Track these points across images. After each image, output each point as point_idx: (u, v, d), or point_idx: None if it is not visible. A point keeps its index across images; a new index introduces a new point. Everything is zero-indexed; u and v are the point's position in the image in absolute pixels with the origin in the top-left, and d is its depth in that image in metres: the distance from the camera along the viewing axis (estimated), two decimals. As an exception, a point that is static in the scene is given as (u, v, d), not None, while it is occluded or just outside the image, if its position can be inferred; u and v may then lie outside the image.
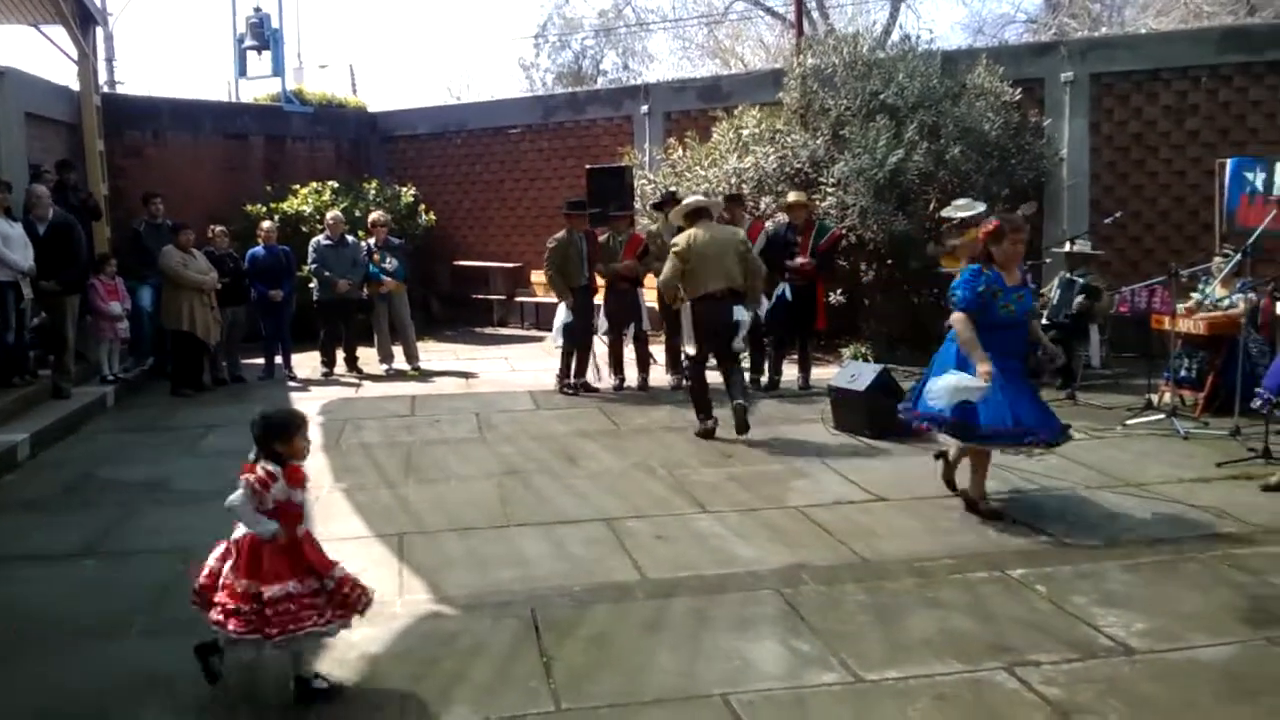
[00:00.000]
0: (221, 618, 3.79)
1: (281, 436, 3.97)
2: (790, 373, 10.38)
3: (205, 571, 3.99)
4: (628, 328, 10.44)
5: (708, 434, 8.26)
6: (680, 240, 8.23)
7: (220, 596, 3.83)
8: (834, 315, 12.12)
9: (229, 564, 3.90)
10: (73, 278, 9.70)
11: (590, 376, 10.47)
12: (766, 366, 10.42)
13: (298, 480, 3.96)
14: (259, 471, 3.87)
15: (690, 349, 8.43)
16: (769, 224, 10.57)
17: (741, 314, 8.21)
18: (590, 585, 5.08)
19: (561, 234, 10.20)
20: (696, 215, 8.35)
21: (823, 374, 10.35)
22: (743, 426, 8.05)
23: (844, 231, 10.82)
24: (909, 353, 11.60)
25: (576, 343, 10.23)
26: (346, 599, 3.94)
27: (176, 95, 17.14)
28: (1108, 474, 6.94)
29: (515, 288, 16.08)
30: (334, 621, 3.90)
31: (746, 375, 9.70)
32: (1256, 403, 6.95)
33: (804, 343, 10.41)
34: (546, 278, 10.35)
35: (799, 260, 9.91)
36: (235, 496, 3.85)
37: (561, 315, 10.13)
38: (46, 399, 9.42)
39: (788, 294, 9.98)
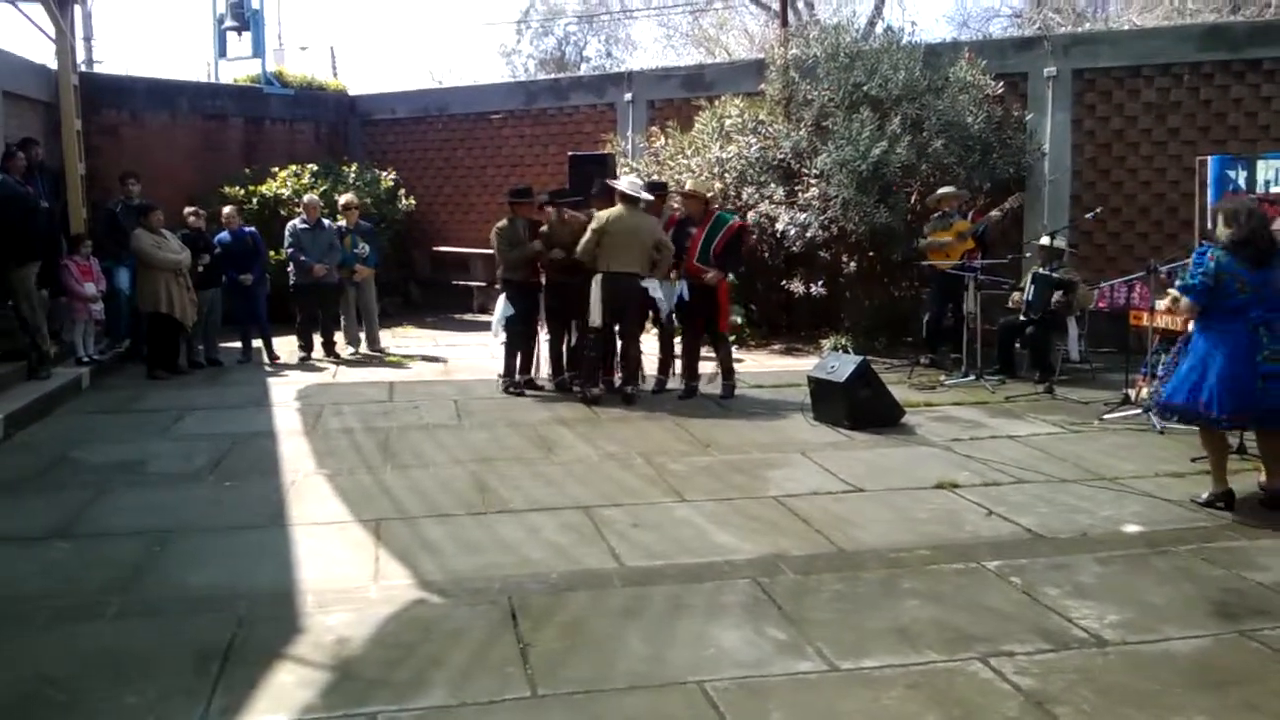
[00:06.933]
0: None
1: None
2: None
3: None
4: (570, 324, 9.70)
5: (593, 400, 9.07)
6: (601, 215, 8.94)
7: None
8: (814, 307, 12.15)
9: None
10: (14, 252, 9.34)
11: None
12: (675, 368, 9.79)
13: None
14: None
15: (595, 320, 8.95)
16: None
17: (656, 289, 9.13)
18: (568, 572, 5.08)
19: (504, 221, 9.71)
20: (624, 199, 8.96)
21: (802, 365, 10.37)
22: (627, 399, 9.13)
23: (743, 223, 9.84)
24: (888, 344, 11.66)
25: (519, 338, 9.74)
26: None
27: (154, 75, 16.98)
28: (1083, 467, 6.98)
29: (495, 274, 15.97)
30: None
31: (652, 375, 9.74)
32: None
33: (714, 345, 9.64)
34: (502, 254, 9.70)
35: (686, 264, 9.27)
36: None
37: (501, 309, 9.68)
38: (21, 381, 9.33)
39: (685, 293, 9.34)
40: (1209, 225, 9.77)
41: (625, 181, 9.21)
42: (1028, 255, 11.31)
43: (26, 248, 9.58)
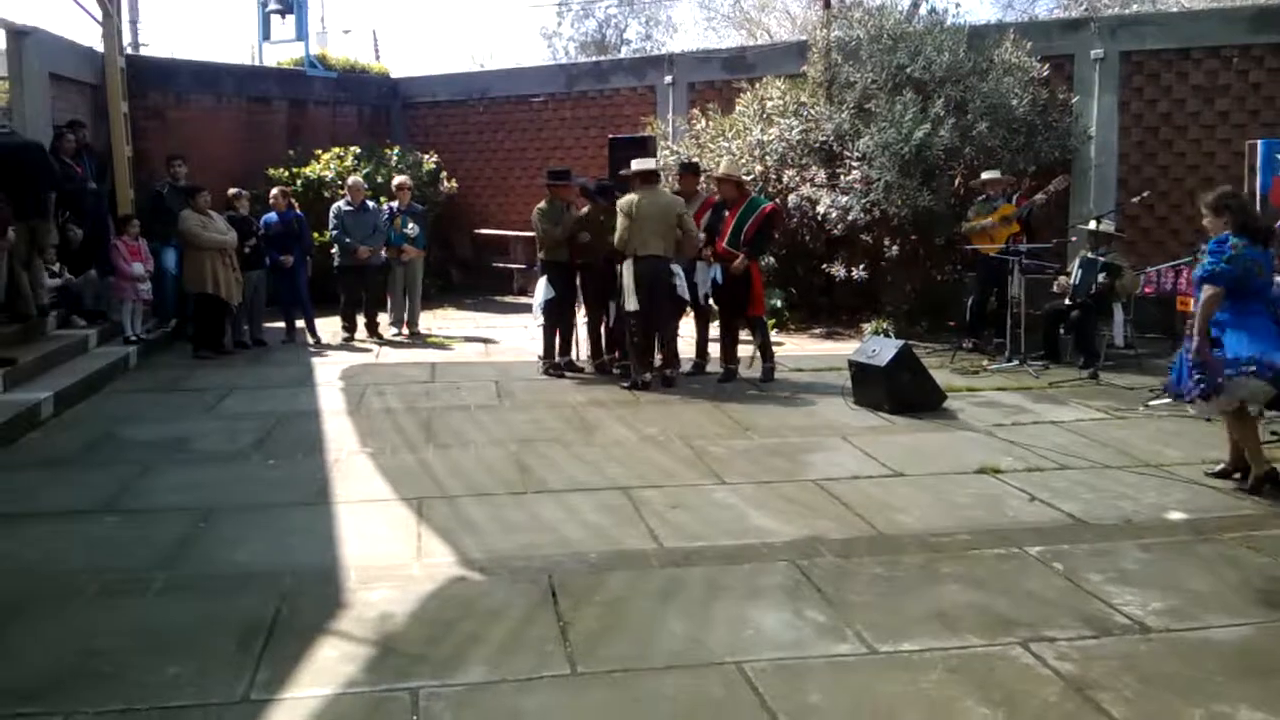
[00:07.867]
0: None
1: None
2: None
3: None
4: (608, 305, 9.67)
5: (643, 385, 8.93)
6: (625, 201, 8.86)
7: None
8: (855, 290, 12.09)
9: None
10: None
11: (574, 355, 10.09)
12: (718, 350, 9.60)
13: None
14: None
15: (630, 305, 8.86)
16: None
17: (682, 275, 9.04)
18: (607, 552, 5.10)
19: (544, 203, 9.80)
20: (645, 179, 8.93)
21: (843, 349, 10.33)
22: (667, 382, 9.13)
23: (776, 207, 9.81)
24: (930, 328, 11.58)
25: (558, 320, 9.82)
26: None
27: (199, 58, 17.14)
28: (1127, 453, 6.91)
29: (535, 257, 16.01)
30: None
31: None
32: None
33: (750, 328, 9.50)
34: (543, 233, 9.69)
35: (715, 247, 9.21)
36: None
37: (541, 291, 9.71)
38: (69, 358, 9.49)
39: (718, 276, 9.25)
40: (1259, 209, 9.66)
41: (635, 164, 9.16)
42: (1073, 240, 11.18)
43: (30, 204, 9.46)
